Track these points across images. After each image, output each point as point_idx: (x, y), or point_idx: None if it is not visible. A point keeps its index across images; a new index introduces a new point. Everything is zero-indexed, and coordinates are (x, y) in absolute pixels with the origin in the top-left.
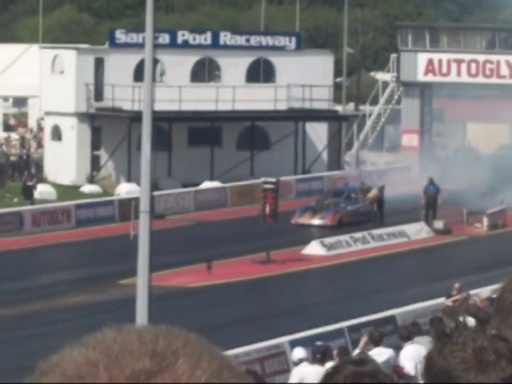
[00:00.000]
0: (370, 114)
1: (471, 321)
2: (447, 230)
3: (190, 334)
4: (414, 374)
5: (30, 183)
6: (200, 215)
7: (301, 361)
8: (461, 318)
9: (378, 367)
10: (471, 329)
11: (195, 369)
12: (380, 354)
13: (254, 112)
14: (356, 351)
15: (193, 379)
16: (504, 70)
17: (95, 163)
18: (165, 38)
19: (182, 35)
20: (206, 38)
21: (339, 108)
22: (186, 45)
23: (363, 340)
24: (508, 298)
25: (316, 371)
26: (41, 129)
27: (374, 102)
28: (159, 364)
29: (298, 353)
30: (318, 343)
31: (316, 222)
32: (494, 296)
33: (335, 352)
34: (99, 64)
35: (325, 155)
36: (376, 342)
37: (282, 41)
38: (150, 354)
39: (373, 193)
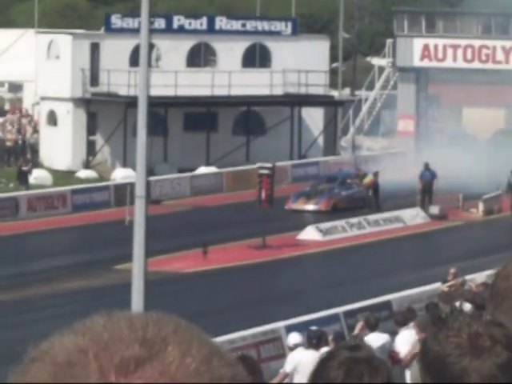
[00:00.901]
0: (366, 100)
1: (467, 306)
2: (443, 215)
3: (181, 320)
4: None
5: (25, 168)
6: (196, 200)
7: (296, 346)
8: (457, 304)
9: (373, 353)
10: (466, 314)
11: (185, 356)
12: (376, 340)
13: (249, 97)
14: (351, 336)
15: (182, 366)
16: (500, 56)
17: (91, 148)
18: (160, 23)
19: (178, 20)
20: (202, 23)
21: (335, 93)
22: (181, 30)
23: (359, 325)
24: (501, 285)
25: (311, 356)
26: (29, 115)
27: (370, 87)
28: (149, 351)
29: (294, 338)
30: (314, 328)
31: (310, 207)
32: (490, 281)
33: (330, 337)
34: (95, 49)
35: (321, 140)
36: (372, 327)
37: (277, 26)
38: (140, 340)
39: (368, 178)
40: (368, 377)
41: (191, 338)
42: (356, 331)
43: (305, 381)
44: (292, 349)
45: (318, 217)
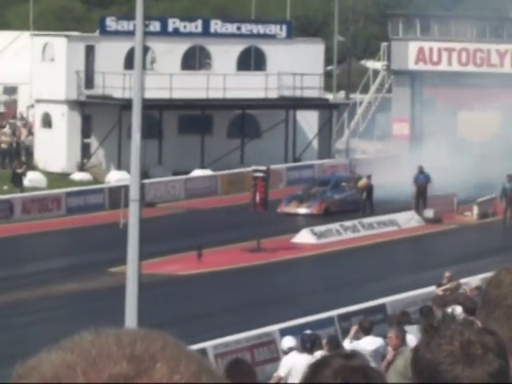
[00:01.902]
0: (361, 103)
1: (458, 309)
2: (437, 218)
3: (169, 336)
4: None
5: (19, 171)
6: (190, 203)
7: (290, 350)
8: (449, 310)
9: (367, 361)
10: (459, 322)
11: (173, 373)
12: (370, 343)
13: (244, 100)
14: (346, 340)
15: (171, 383)
16: (494, 59)
17: (85, 151)
18: (155, 26)
19: (173, 23)
20: (197, 26)
21: (330, 96)
22: (176, 33)
23: (353, 329)
24: (493, 293)
25: (305, 360)
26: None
27: (365, 90)
28: (137, 368)
29: (288, 342)
30: (308, 332)
31: (302, 210)
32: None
33: (324, 341)
34: (90, 51)
35: (315, 143)
36: (366, 330)
37: (272, 29)
38: (128, 357)
39: (363, 181)
40: None
41: (179, 354)
42: (351, 335)
43: None
44: (286, 352)
45: (313, 220)
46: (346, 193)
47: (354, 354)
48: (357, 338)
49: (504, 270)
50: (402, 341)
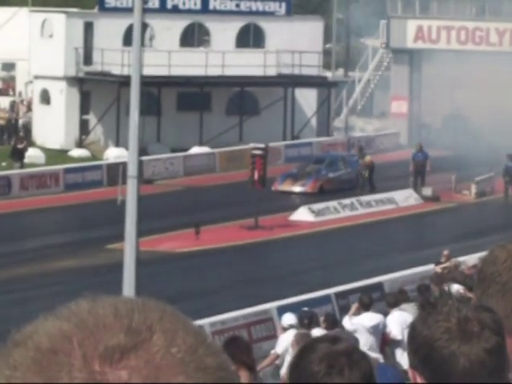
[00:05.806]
0: (360, 81)
1: (456, 288)
2: (435, 197)
3: (166, 307)
4: (400, 339)
5: (20, 146)
6: (189, 180)
7: (291, 327)
8: (446, 287)
9: (352, 344)
10: (456, 298)
11: (170, 345)
12: (370, 319)
13: (243, 77)
14: (346, 317)
15: (167, 356)
16: (493, 38)
17: (84, 127)
18: (154, 3)
19: (172, 0)
20: (196, 3)
21: (328, 74)
22: (175, 9)
23: (354, 306)
24: (488, 270)
25: None
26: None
27: (364, 68)
28: (134, 340)
29: (288, 319)
30: (305, 309)
31: (297, 189)
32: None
33: (322, 318)
34: (88, 28)
35: (314, 121)
36: (366, 306)
37: (271, 6)
38: (125, 329)
39: (368, 158)
40: (348, 370)
41: (177, 326)
42: (351, 312)
43: None
44: (286, 329)
45: (310, 198)
46: (341, 171)
47: (339, 338)
48: (357, 314)
49: (499, 246)
50: None
